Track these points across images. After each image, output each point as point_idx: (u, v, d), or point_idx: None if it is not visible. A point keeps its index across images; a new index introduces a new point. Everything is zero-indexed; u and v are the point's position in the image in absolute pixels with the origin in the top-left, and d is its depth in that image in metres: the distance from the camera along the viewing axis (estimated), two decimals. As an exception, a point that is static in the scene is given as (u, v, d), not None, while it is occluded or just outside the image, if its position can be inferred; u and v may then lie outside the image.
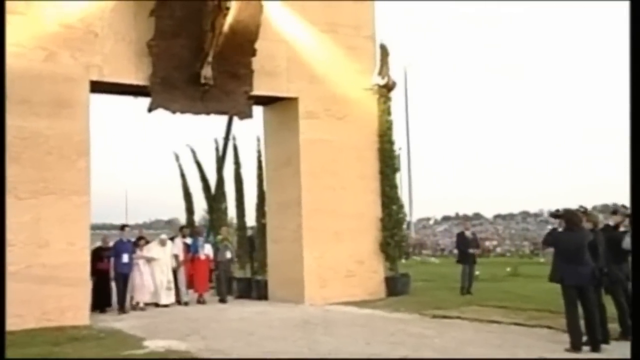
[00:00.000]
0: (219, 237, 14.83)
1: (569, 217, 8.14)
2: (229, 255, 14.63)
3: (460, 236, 15.85)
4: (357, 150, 14.87)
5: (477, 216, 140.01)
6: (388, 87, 15.03)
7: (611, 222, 9.33)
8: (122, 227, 13.93)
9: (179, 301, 14.09)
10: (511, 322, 10.26)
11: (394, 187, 15.21)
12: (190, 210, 19.12)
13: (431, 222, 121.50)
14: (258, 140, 15.92)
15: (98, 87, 12.72)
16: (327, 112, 14.61)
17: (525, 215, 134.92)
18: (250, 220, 16.91)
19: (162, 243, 13.97)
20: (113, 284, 13.49)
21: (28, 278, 11.58)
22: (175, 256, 14.13)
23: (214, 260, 14.55)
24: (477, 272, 16.47)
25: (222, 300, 14.33)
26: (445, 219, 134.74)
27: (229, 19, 13.00)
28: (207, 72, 13.10)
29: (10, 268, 11.32)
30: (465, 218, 18.10)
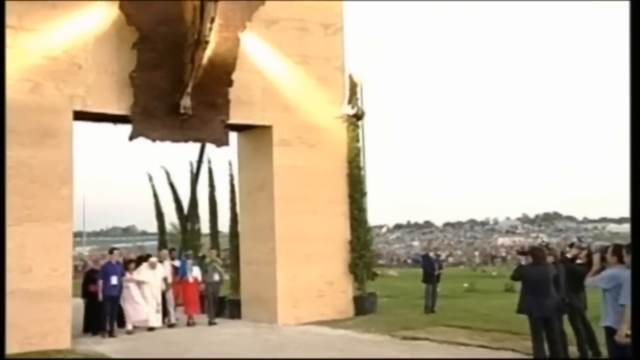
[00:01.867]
0: (207, 259, 14.79)
1: (535, 253, 8.71)
2: (217, 277, 14.56)
3: (425, 258, 16.42)
4: (327, 176, 15.26)
5: (428, 224, 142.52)
6: (357, 116, 15.49)
7: (569, 255, 9.92)
8: (111, 251, 13.88)
9: (169, 323, 14.06)
10: (477, 345, 10.71)
11: (362, 210, 15.63)
12: (162, 229, 19.23)
13: (384, 230, 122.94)
14: (230, 164, 16.17)
15: (81, 116, 12.88)
16: (300, 140, 14.97)
17: (473, 223, 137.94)
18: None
19: (152, 266, 13.82)
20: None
21: (11, 303, 11.57)
22: (165, 279, 14.05)
23: (203, 282, 14.48)
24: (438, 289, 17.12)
25: (211, 322, 14.27)
26: (398, 227, 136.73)
27: (208, 52, 13.27)
28: (186, 102, 13.33)
29: (-7, 294, 11.43)
30: (428, 242, 18.58)
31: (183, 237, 18.15)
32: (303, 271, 14.62)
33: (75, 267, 17.66)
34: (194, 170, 18.10)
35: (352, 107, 15.41)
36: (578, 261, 9.52)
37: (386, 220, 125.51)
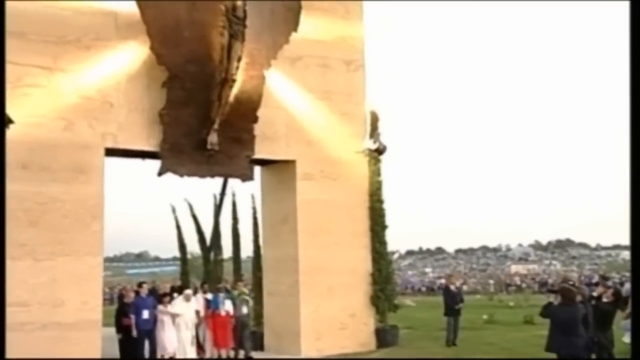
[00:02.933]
0: (236, 291, 14.70)
1: (565, 293, 8.86)
2: (245, 310, 14.44)
3: (447, 290, 16.51)
4: (349, 209, 15.49)
5: (440, 250, 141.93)
6: (379, 151, 15.73)
7: (595, 294, 10.06)
8: (140, 285, 14.03)
9: (202, 357, 13.89)
10: (502, 381, 10.81)
11: (383, 243, 15.82)
12: (184, 260, 19.53)
13: (396, 256, 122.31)
14: (253, 197, 16.43)
15: (112, 153, 13.22)
16: (322, 174, 15.25)
17: (485, 250, 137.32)
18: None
19: (187, 298, 13.74)
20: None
21: (44, 335, 11.91)
22: (197, 312, 13.89)
23: (234, 316, 14.25)
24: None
25: (246, 357, 14.21)
26: (410, 253, 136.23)
27: (235, 90, 13.68)
28: (213, 138, 13.67)
29: (26, 327, 11.74)
30: (448, 275, 19.06)
31: (206, 268, 18.39)
32: (326, 304, 14.80)
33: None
34: (217, 202, 18.39)
35: (374, 142, 15.68)
36: (604, 299, 9.67)
37: (397, 246, 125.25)
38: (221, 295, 14.28)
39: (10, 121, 11.46)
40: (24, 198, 12.03)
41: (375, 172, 15.86)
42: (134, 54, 13.28)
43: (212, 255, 18.42)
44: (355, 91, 16.00)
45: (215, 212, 18.51)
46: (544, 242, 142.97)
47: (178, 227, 19.22)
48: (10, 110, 11.23)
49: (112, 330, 13.77)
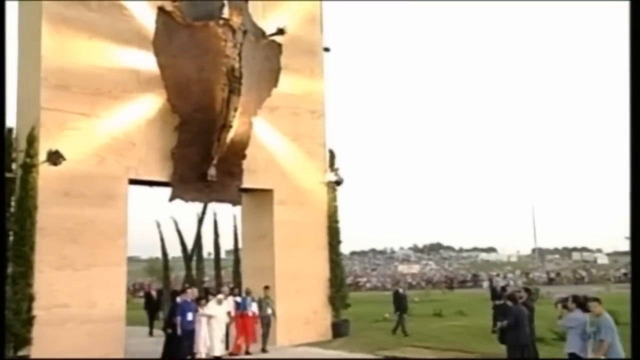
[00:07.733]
0: (262, 296, 15.14)
1: (513, 297, 10.68)
2: (269, 311, 15.00)
3: (396, 293, 18.64)
4: (313, 228, 16.93)
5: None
6: (337, 182, 17.27)
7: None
8: (185, 289, 14.41)
9: (230, 353, 14.30)
10: (447, 363, 12.40)
11: (338, 254, 17.36)
12: (166, 267, 20.24)
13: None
14: (234, 217, 17.50)
15: (134, 182, 14.04)
16: (293, 200, 16.61)
17: (374, 252, 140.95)
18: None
19: (219, 302, 14.07)
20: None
21: (81, 330, 12.62)
22: (228, 313, 14.23)
23: (260, 316, 14.87)
24: (386, 315, 19.33)
25: (264, 350, 14.68)
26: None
27: (230, 134, 14.80)
28: (212, 171, 14.75)
29: (68, 324, 12.47)
30: (397, 281, 20.73)
31: (187, 273, 19.19)
32: (295, 303, 16.09)
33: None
34: (199, 219, 19.28)
35: (335, 175, 17.20)
36: (521, 300, 11.53)
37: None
38: (248, 298, 14.92)
39: (63, 158, 12.27)
40: (66, 219, 12.75)
41: (333, 199, 17.39)
42: (152, 103, 14.22)
43: (194, 264, 19.25)
44: (318, 134, 17.50)
45: (197, 227, 19.40)
46: (420, 245, 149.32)
47: (162, 239, 19.95)
48: (58, 149, 12.18)
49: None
